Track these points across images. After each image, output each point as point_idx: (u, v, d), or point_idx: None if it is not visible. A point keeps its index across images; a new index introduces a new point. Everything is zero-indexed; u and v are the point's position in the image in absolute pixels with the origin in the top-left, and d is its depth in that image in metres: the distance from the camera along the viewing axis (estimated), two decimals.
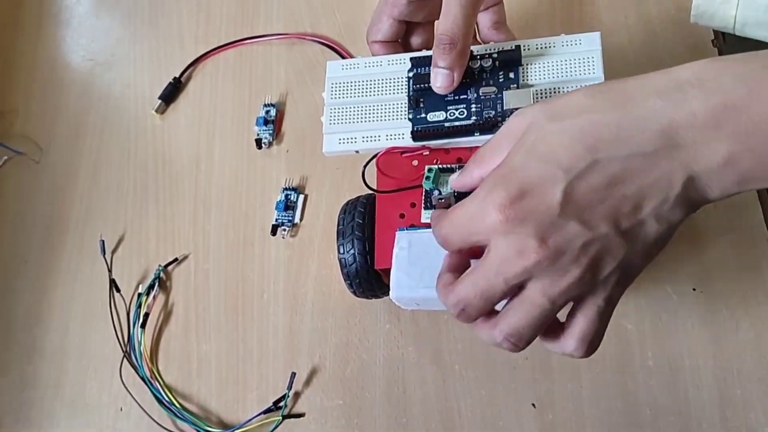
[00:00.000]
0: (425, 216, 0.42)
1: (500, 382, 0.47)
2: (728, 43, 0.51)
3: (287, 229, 0.55)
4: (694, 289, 0.46)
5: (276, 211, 0.56)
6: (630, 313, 0.47)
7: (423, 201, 0.42)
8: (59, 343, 0.57)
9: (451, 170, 0.42)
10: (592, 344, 0.32)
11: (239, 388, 0.52)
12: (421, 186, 0.42)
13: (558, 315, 0.32)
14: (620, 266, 0.31)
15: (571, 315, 0.32)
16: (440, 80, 0.42)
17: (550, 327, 0.33)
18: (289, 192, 0.56)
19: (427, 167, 0.42)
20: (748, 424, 0.43)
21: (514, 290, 0.31)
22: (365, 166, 0.43)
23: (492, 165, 0.33)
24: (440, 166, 0.42)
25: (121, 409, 0.54)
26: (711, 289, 0.46)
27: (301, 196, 0.56)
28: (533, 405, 0.46)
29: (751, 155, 0.28)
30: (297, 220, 0.56)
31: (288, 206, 0.56)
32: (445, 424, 0.47)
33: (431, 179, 0.42)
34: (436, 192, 0.41)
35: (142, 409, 0.52)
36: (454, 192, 0.41)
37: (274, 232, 0.55)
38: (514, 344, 0.32)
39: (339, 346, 0.51)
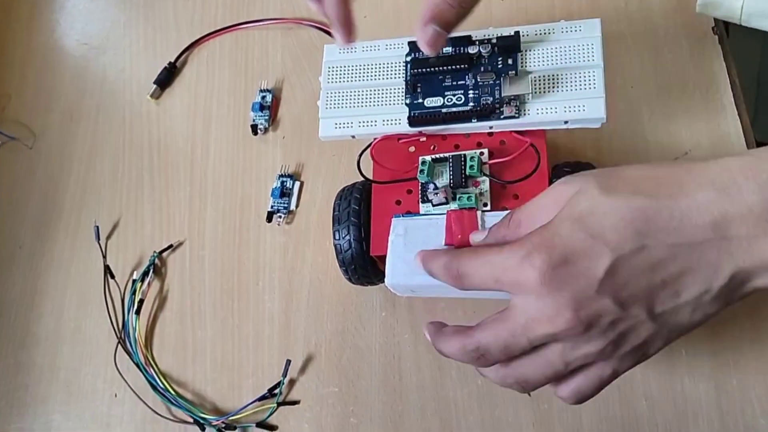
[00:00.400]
0: (423, 208, 0.42)
1: None
2: (731, 32, 0.50)
3: (283, 216, 0.55)
4: None
5: (272, 198, 0.55)
6: None
7: (420, 194, 0.42)
8: (53, 329, 0.57)
9: (445, 159, 0.42)
10: (582, 398, 0.34)
11: (234, 374, 0.52)
12: (416, 178, 0.42)
13: None
14: (642, 345, 0.31)
15: (575, 369, 0.33)
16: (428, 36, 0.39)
17: None
18: (284, 179, 0.56)
19: (420, 159, 0.42)
20: (745, 417, 0.43)
21: (532, 350, 0.32)
22: (360, 155, 0.43)
23: (527, 230, 0.32)
24: (434, 156, 0.42)
25: (116, 396, 0.53)
26: None
27: (297, 183, 0.56)
28: (529, 395, 0.46)
29: None
30: (293, 207, 0.55)
31: (284, 193, 0.55)
32: (441, 412, 0.47)
33: (425, 172, 0.41)
34: (431, 185, 0.41)
35: (137, 395, 0.52)
36: (451, 183, 0.41)
37: (269, 218, 0.55)
38: (522, 388, 0.34)
39: (334, 333, 0.51)
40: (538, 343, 0.31)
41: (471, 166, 0.41)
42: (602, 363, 0.32)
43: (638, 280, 0.29)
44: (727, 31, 0.51)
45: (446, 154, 0.42)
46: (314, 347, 0.51)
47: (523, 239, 0.32)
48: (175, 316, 0.55)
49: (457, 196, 0.41)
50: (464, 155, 0.42)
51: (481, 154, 0.42)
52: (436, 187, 0.41)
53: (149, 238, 0.58)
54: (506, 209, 0.39)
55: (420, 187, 0.42)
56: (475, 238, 0.36)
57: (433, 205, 0.41)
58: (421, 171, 0.41)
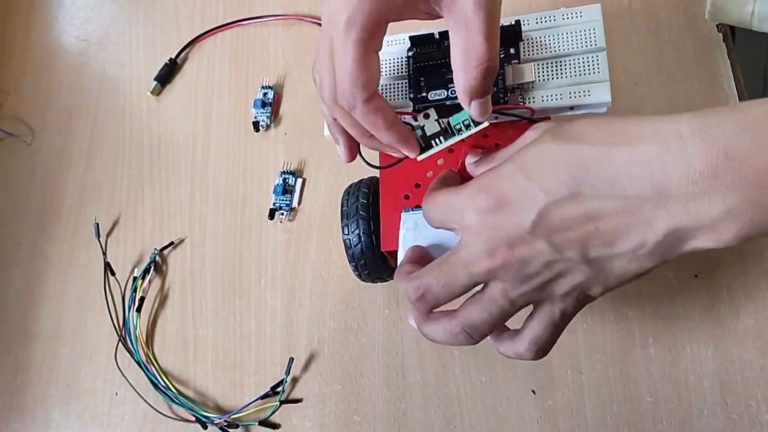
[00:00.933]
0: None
1: (500, 369, 0.47)
2: (736, 30, 0.50)
3: (285, 213, 0.54)
4: (695, 276, 0.46)
5: (274, 195, 0.55)
6: (631, 299, 0.46)
7: (421, 143, 0.39)
8: (53, 328, 0.56)
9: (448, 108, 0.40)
10: (541, 349, 0.34)
11: (236, 372, 0.51)
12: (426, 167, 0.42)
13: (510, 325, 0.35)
14: (579, 287, 0.32)
15: (526, 321, 0.34)
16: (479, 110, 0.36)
17: (504, 332, 0.35)
18: (287, 176, 0.55)
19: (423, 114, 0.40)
20: (749, 412, 0.43)
21: (472, 287, 0.33)
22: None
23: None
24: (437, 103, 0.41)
25: (117, 394, 0.53)
26: (712, 276, 0.46)
27: (299, 180, 0.55)
28: (533, 391, 0.46)
29: (754, 206, 0.26)
30: (295, 204, 0.55)
31: (286, 190, 0.55)
32: (444, 410, 0.47)
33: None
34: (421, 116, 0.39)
35: (138, 393, 0.52)
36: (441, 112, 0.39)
37: (271, 216, 0.54)
38: (470, 336, 0.34)
39: (337, 331, 0.50)
40: (478, 280, 0.33)
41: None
42: (548, 304, 0.33)
43: (571, 225, 0.30)
44: (732, 29, 0.51)
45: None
46: (317, 345, 0.51)
47: (474, 180, 0.33)
48: (176, 313, 0.54)
49: (452, 120, 0.38)
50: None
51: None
52: (427, 116, 0.39)
53: (150, 235, 0.57)
54: None
55: (418, 135, 0.39)
56: (469, 159, 0.39)
57: (428, 136, 0.39)
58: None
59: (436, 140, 0.39)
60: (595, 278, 0.31)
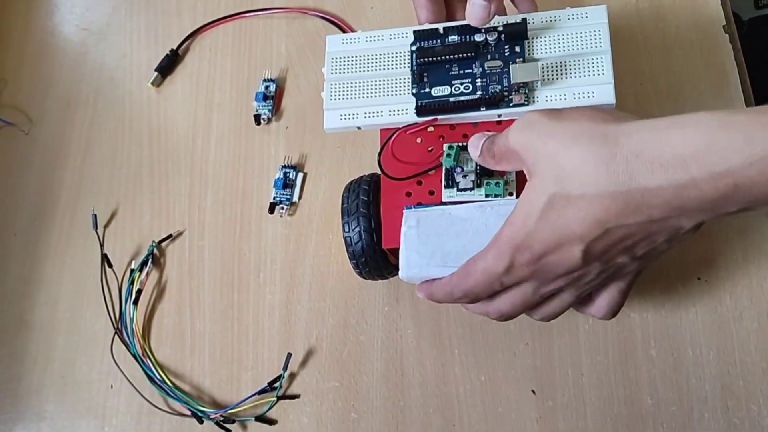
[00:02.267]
0: (447, 195, 0.41)
1: (500, 368, 0.47)
2: (742, 29, 0.50)
3: (285, 207, 0.54)
4: (698, 278, 0.46)
5: (274, 189, 0.54)
6: (633, 301, 0.46)
7: (444, 179, 0.41)
8: (49, 318, 0.56)
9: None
10: (614, 312, 0.39)
11: (233, 367, 0.51)
12: (435, 168, 0.41)
13: None
14: (635, 270, 0.37)
15: (596, 293, 0.39)
16: (477, 11, 0.40)
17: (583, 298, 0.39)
18: (287, 170, 0.55)
19: (446, 145, 0.41)
20: (751, 416, 0.42)
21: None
22: (381, 152, 0.42)
23: (504, 167, 0.39)
24: (460, 144, 0.41)
25: (112, 387, 0.53)
26: (716, 279, 0.46)
27: (300, 174, 0.55)
28: (533, 392, 0.46)
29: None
30: (295, 198, 0.54)
31: (286, 184, 0.54)
32: (443, 409, 0.47)
33: (452, 157, 0.40)
34: (458, 169, 0.40)
35: (134, 386, 0.51)
36: (477, 168, 0.40)
37: (272, 210, 0.54)
38: (501, 318, 0.39)
39: (336, 327, 0.50)
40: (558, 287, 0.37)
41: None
42: (613, 283, 0.38)
43: (612, 249, 0.34)
44: (739, 30, 0.50)
45: (465, 144, 0.41)
46: (315, 341, 0.50)
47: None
48: (173, 307, 0.54)
49: (484, 182, 0.40)
50: None
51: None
52: (463, 170, 0.40)
53: (148, 227, 0.57)
54: None
55: (444, 173, 0.41)
56: (475, 139, 0.40)
57: (459, 190, 0.40)
58: (448, 155, 0.40)
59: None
60: (646, 262, 0.36)
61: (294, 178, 0.55)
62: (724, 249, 0.46)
